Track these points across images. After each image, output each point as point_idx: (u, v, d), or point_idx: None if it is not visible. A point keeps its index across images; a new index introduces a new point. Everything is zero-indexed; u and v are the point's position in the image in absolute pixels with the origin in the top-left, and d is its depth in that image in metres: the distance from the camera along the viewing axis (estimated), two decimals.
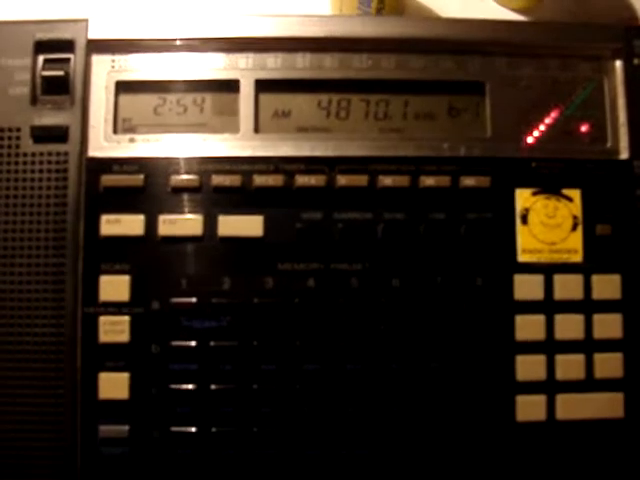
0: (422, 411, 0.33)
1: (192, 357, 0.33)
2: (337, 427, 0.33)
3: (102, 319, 0.33)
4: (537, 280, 0.34)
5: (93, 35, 0.35)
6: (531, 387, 0.34)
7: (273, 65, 0.35)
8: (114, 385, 0.33)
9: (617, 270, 0.34)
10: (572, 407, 0.34)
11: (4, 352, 0.33)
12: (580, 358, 0.34)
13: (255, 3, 0.43)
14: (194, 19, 0.35)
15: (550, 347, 0.34)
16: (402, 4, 0.42)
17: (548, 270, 0.34)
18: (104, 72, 0.35)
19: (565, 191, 0.35)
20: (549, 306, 0.34)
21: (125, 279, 0.33)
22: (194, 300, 0.33)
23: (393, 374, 0.33)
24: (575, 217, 0.35)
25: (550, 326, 0.34)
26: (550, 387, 0.34)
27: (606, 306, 0.34)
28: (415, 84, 0.35)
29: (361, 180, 0.34)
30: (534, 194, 0.35)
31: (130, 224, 0.33)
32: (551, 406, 0.34)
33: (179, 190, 0.34)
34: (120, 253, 0.33)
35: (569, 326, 0.34)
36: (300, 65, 0.35)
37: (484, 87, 0.35)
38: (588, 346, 0.34)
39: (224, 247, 0.34)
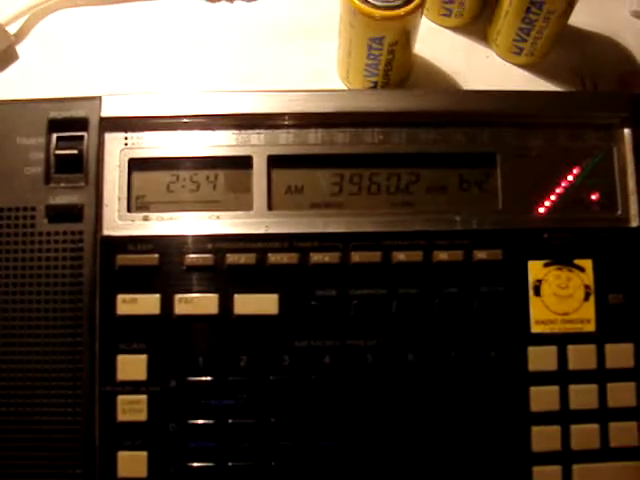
0: None
1: (210, 435, 0.33)
2: None
3: (120, 398, 0.33)
4: (551, 351, 0.34)
5: (106, 113, 0.35)
6: (547, 458, 0.34)
7: (285, 141, 0.35)
8: (132, 464, 0.33)
9: (630, 339, 0.34)
10: (588, 477, 0.34)
11: (22, 432, 0.33)
12: (595, 428, 0.34)
13: (264, 80, 0.43)
14: (206, 97, 0.35)
15: (565, 417, 0.34)
16: (409, 64, 0.43)
17: (562, 340, 0.34)
18: (117, 150, 0.35)
19: (577, 261, 0.35)
20: (563, 377, 0.34)
21: (142, 358, 0.33)
22: (211, 378, 0.33)
23: (409, 449, 0.33)
24: (587, 287, 0.35)
25: (565, 396, 0.34)
26: (566, 457, 0.34)
27: (619, 375, 0.34)
28: (426, 157, 0.35)
29: (375, 256, 0.34)
30: (546, 265, 0.35)
31: (146, 303, 0.34)
32: (567, 476, 0.34)
33: (194, 269, 0.34)
34: (137, 332, 0.34)
35: (583, 396, 0.34)
36: (312, 141, 0.35)
37: (495, 158, 0.36)
38: (603, 415, 0.34)
39: (240, 325, 0.34)
